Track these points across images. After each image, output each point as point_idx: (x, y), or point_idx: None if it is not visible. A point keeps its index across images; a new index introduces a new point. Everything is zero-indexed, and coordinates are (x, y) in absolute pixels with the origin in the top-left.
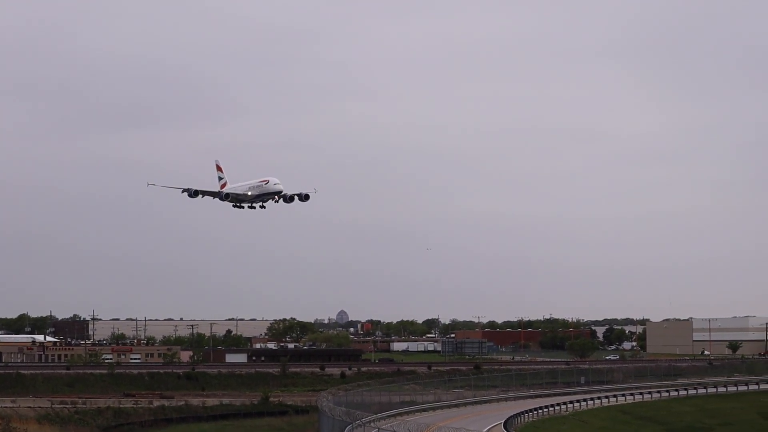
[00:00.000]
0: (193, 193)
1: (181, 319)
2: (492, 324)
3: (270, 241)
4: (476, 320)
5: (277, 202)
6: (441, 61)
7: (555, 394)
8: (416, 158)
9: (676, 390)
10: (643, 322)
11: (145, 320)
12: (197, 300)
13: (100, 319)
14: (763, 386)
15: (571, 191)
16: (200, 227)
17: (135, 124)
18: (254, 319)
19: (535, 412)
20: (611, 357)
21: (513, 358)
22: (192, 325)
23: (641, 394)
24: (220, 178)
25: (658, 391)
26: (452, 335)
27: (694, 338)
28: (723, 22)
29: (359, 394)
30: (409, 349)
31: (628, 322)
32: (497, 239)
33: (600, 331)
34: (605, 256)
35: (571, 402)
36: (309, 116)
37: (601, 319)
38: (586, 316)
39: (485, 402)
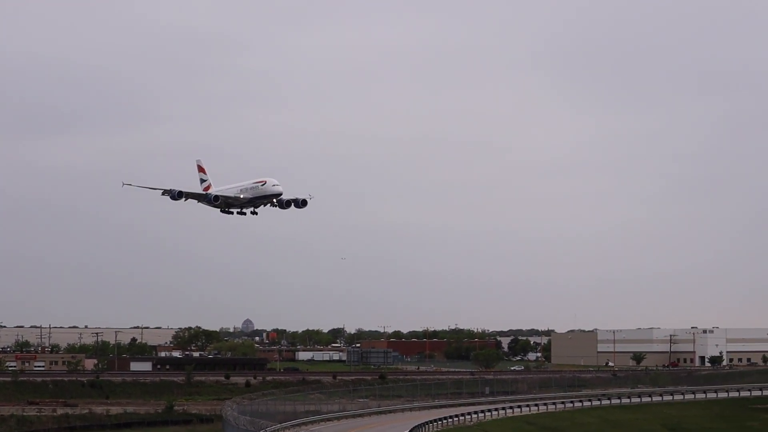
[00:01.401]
0: (177, 195)
1: (86, 326)
2: (397, 334)
3: (176, 245)
4: (382, 330)
5: (274, 206)
6: (358, 70)
7: (460, 405)
8: (328, 166)
9: (580, 401)
10: (548, 333)
11: (50, 327)
12: (102, 308)
13: (4, 326)
14: (666, 398)
15: (483, 204)
16: (107, 230)
17: (46, 130)
18: (159, 328)
19: (439, 423)
20: (516, 368)
21: (418, 368)
22: (97, 333)
23: (545, 404)
24: (203, 180)
25: (563, 402)
26: (358, 345)
27: (599, 349)
28: (660, 34)
29: (264, 403)
30: (315, 359)
31: (534, 333)
32: (404, 249)
33: (505, 341)
34: (511, 269)
35: (475, 412)
36: (222, 124)
37: (506, 329)
38: (492, 327)
39: (390, 412)
